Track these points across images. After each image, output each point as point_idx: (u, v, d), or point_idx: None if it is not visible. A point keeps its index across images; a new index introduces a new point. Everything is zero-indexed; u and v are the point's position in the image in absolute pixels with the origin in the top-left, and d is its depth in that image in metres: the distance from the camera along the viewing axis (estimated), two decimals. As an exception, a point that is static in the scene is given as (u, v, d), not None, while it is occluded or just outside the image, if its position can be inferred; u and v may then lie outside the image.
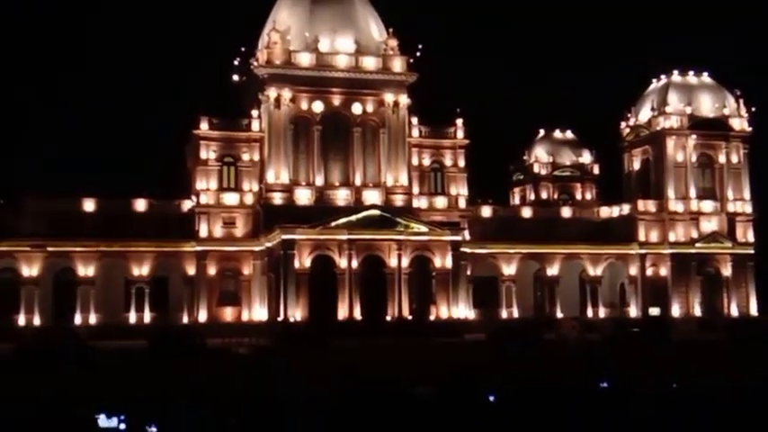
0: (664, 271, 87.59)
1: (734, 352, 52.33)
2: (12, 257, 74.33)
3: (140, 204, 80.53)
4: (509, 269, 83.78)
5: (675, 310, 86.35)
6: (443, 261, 75.28)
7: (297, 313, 71.04)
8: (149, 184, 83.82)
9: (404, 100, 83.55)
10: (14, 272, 74.87)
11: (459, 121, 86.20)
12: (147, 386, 33.22)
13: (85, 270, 75.84)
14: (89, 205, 79.17)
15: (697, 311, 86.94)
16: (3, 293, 74.63)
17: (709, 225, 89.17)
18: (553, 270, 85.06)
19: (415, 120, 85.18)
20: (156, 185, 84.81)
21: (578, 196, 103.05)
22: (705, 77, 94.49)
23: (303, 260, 72.45)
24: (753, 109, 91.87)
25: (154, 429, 20.55)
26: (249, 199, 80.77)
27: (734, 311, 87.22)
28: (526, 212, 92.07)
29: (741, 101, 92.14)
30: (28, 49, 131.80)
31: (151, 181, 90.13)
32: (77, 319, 74.57)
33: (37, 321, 73.45)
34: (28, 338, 58.35)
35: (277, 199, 79.74)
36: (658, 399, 26.28)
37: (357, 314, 72.08)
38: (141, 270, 77.14)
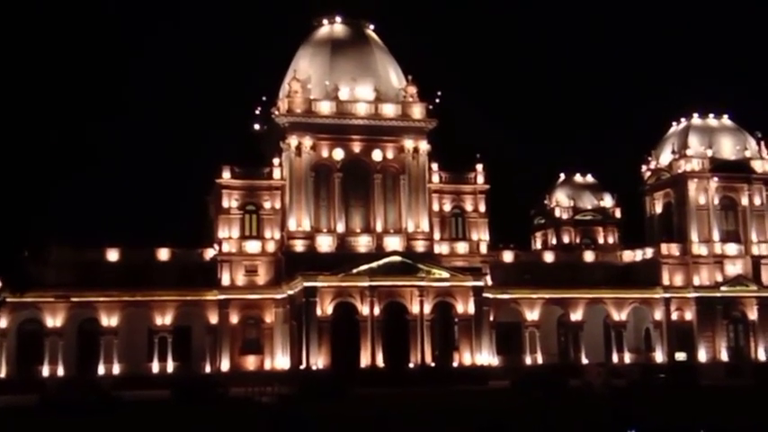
0: (689, 315, 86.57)
1: (763, 398, 51.45)
2: (36, 308, 74.64)
3: (163, 254, 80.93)
4: (532, 314, 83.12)
5: (702, 355, 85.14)
6: (466, 307, 74.90)
7: (319, 361, 70.75)
8: (173, 234, 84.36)
9: (424, 146, 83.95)
10: (39, 323, 75.17)
11: (480, 167, 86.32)
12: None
13: (109, 320, 76.02)
14: (113, 255, 79.68)
15: (724, 356, 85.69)
16: (27, 344, 74.99)
17: (734, 268, 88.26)
18: (577, 315, 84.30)
19: (435, 165, 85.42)
20: (179, 235, 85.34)
21: (600, 240, 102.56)
22: (725, 120, 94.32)
23: (325, 307, 72.33)
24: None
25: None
26: (271, 247, 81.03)
27: (761, 356, 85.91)
28: (548, 257, 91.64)
29: (762, 143, 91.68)
30: (50, 102, 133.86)
31: (175, 230, 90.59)
32: (101, 370, 74.57)
33: (61, 372, 73.50)
34: (52, 389, 58.43)
35: (299, 246, 79.92)
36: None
37: (380, 361, 71.63)
38: (164, 319, 77.24)
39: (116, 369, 74.96)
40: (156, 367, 76.35)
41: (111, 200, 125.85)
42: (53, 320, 74.85)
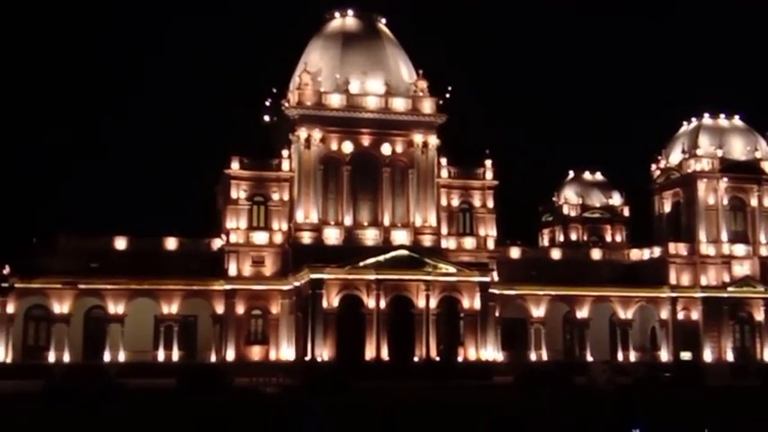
0: (695, 315, 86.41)
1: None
2: (43, 294, 74.98)
3: (171, 243, 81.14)
4: (538, 311, 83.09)
5: (707, 355, 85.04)
6: (472, 302, 74.85)
7: (324, 353, 70.82)
8: (181, 224, 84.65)
9: (433, 141, 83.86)
10: (46, 309, 75.48)
11: (489, 162, 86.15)
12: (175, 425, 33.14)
13: (116, 308, 76.21)
14: (121, 243, 79.92)
15: (729, 356, 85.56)
16: (34, 330, 75.44)
17: (742, 269, 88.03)
18: (583, 313, 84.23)
19: (444, 160, 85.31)
20: (187, 224, 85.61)
21: (608, 238, 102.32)
22: (736, 120, 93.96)
23: (331, 300, 72.38)
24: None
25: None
26: (278, 238, 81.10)
27: (767, 357, 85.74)
28: (555, 254, 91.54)
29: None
30: (63, 92, 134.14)
31: (183, 220, 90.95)
32: (106, 357, 74.76)
33: (67, 358, 73.72)
34: (57, 376, 58.56)
35: (306, 238, 79.98)
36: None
37: (384, 355, 71.68)
38: (170, 308, 77.40)
39: (122, 356, 75.20)
40: (161, 356, 76.58)
41: (120, 189, 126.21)
42: (60, 307, 75.09)
